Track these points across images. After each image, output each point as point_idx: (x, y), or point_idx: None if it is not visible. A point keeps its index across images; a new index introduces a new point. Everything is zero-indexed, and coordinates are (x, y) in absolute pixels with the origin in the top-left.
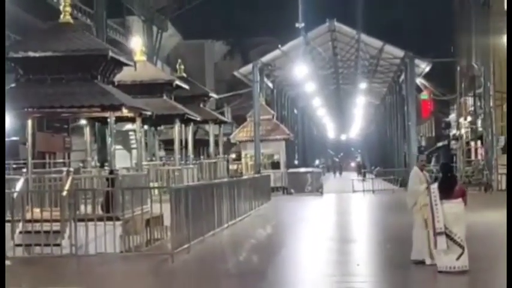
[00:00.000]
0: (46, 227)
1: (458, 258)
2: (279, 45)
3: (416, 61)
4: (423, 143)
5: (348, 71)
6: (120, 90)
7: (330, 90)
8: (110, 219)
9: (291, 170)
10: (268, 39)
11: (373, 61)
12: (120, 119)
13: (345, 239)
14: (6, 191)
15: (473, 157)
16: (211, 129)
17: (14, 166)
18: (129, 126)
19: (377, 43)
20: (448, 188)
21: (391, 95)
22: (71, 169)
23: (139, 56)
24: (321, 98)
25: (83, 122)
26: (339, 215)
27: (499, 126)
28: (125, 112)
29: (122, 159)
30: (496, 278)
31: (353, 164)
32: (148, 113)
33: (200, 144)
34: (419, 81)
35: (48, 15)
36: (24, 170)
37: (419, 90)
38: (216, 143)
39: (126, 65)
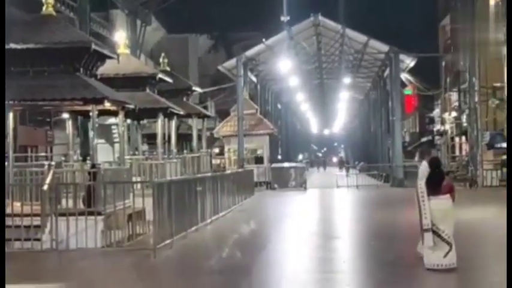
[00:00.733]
0: (26, 221)
1: (445, 256)
2: (263, 39)
3: (401, 56)
4: (407, 138)
5: (332, 65)
6: (103, 83)
7: (314, 85)
8: (91, 213)
9: (274, 165)
10: (252, 34)
11: (358, 56)
12: (102, 113)
13: (330, 235)
14: None
15: (457, 153)
16: (195, 123)
17: None
18: (112, 120)
19: (362, 38)
20: (436, 184)
21: (375, 90)
22: (53, 163)
23: (122, 49)
24: (304, 93)
25: (66, 115)
26: (323, 211)
27: (484, 122)
28: (107, 105)
29: (104, 153)
30: (484, 275)
31: (335, 159)
32: (131, 106)
33: (183, 139)
34: (404, 76)
35: (31, 7)
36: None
37: (403, 85)
38: (199, 138)
39: (109, 57)
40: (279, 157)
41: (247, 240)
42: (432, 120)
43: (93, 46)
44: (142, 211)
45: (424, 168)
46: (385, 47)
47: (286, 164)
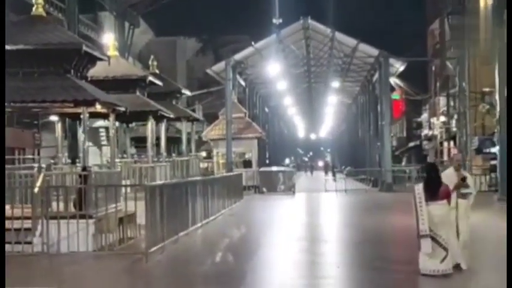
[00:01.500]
0: (17, 224)
1: (442, 261)
2: (252, 43)
3: (391, 60)
4: (394, 143)
5: (320, 69)
6: (92, 85)
7: (302, 89)
8: (82, 217)
9: (263, 169)
10: (240, 37)
11: (347, 59)
12: (92, 115)
13: (321, 240)
14: None
15: (446, 158)
16: (184, 126)
17: None
18: (99, 122)
19: (351, 41)
20: (433, 189)
21: (364, 94)
22: (43, 165)
23: (112, 51)
24: (292, 97)
25: (54, 117)
26: (313, 215)
27: (472, 127)
28: (98, 108)
29: (91, 156)
30: (479, 280)
31: (320, 164)
32: (122, 109)
33: (171, 142)
34: (392, 80)
35: (22, 8)
36: None
37: (391, 89)
38: (189, 141)
39: (100, 59)
40: (267, 161)
41: (238, 245)
42: (420, 125)
43: (84, 48)
44: (133, 215)
45: (447, 173)
46: (374, 51)
47: (274, 168)
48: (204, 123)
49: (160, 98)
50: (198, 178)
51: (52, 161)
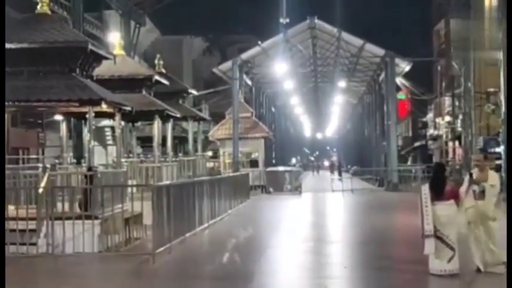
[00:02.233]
0: (21, 225)
1: (449, 261)
2: (259, 42)
3: (397, 60)
4: (400, 143)
5: (326, 69)
6: (98, 84)
7: (308, 89)
8: (88, 217)
9: (269, 169)
10: (247, 36)
11: (353, 59)
12: (98, 115)
13: (329, 240)
14: None
15: (450, 157)
16: (191, 126)
17: None
18: (105, 122)
19: (358, 41)
20: (438, 189)
21: (370, 94)
22: (48, 165)
23: (118, 50)
24: (298, 96)
25: (58, 117)
26: (320, 216)
27: (477, 127)
28: (104, 107)
29: (97, 156)
30: (486, 281)
31: (326, 163)
32: (128, 108)
33: (177, 142)
34: (398, 80)
35: (26, 6)
36: None
37: (397, 89)
38: (195, 141)
39: (106, 58)
40: (274, 161)
41: (245, 245)
42: (425, 125)
43: (90, 46)
44: (139, 215)
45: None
46: (381, 51)
47: (281, 168)
48: (211, 122)
49: (166, 97)
50: (205, 178)
51: (57, 161)
